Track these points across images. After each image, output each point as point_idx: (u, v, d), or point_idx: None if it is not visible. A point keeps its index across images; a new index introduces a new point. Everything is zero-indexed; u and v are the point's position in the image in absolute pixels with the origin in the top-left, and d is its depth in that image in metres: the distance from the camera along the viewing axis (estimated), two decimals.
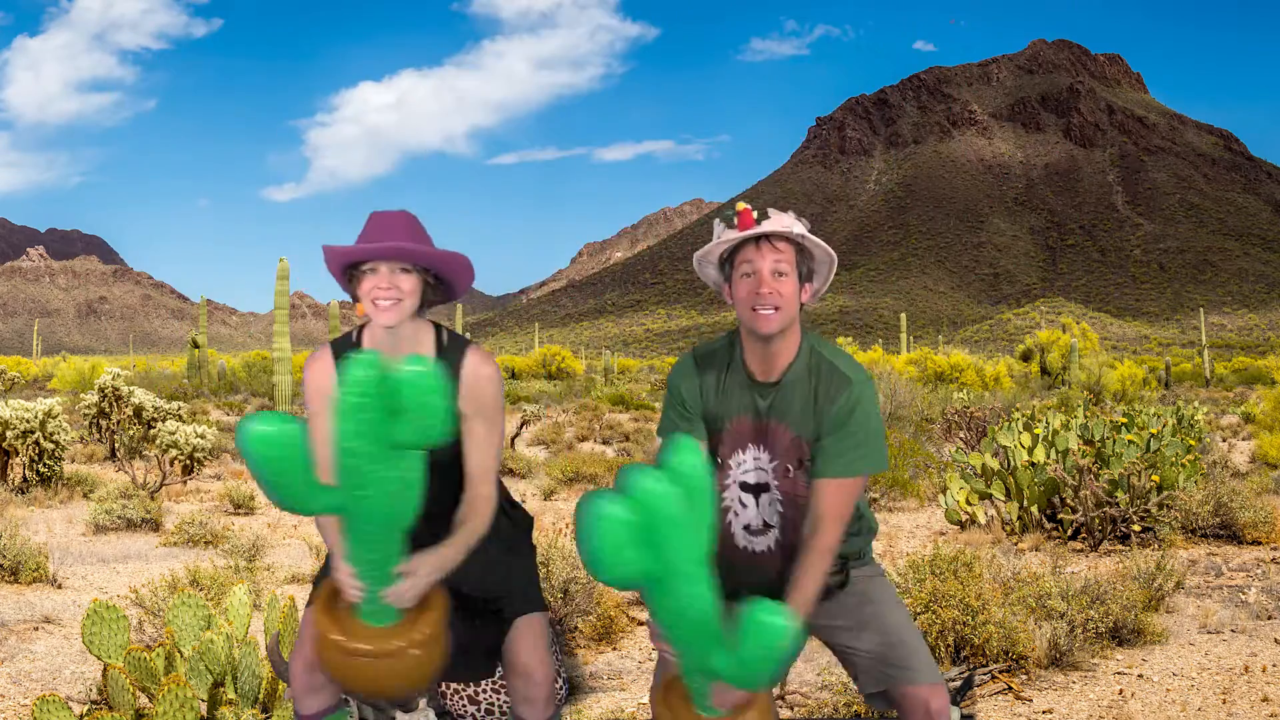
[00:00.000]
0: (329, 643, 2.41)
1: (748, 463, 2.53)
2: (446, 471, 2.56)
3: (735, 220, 2.47)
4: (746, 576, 2.51)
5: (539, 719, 2.68)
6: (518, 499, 8.88)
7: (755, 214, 2.45)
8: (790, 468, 2.49)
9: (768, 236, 2.44)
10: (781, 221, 2.44)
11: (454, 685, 3.89)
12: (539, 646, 2.66)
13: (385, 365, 2.18)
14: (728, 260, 2.50)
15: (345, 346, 2.61)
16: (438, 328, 2.63)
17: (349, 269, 2.52)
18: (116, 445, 12.72)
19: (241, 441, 2.18)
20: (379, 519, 2.28)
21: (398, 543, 2.33)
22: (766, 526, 2.54)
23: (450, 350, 2.59)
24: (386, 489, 2.24)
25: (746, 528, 2.54)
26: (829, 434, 2.44)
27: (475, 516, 2.54)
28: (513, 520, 2.79)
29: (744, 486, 2.53)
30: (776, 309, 2.42)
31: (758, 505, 2.53)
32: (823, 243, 2.47)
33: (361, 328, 2.63)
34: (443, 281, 2.57)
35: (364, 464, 2.21)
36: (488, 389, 2.56)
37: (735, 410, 2.52)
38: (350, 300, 2.57)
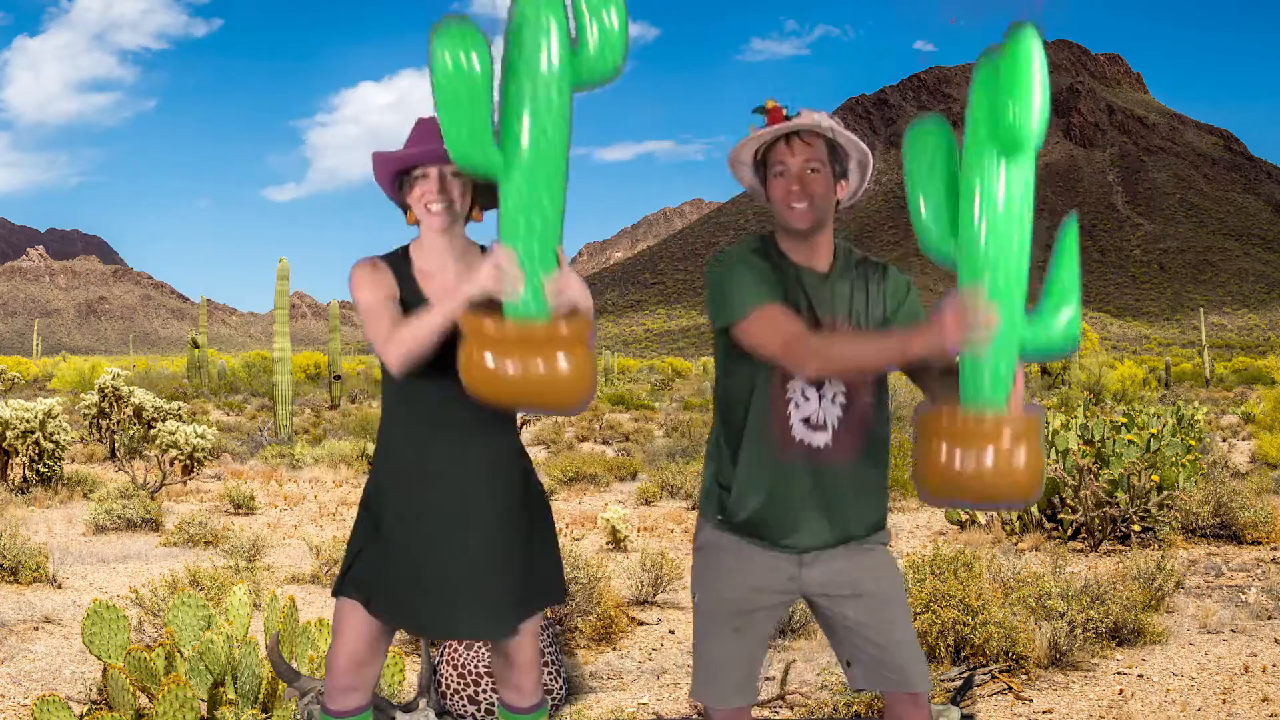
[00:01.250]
0: (486, 339, 2.17)
1: None
2: None
3: (766, 118, 2.43)
4: (798, 481, 2.45)
5: (525, 705, 2.67)
6: None
7: (785, 110, 2.42)
8: None
9: (798, 133, 2.40)
10: (811, 118, 2.41)
11: (454, 685, 3.89)
12: (528, 633, 2.64)
13: None
14: (761, 161, 2.47)
15: (395, 261, 2.54)
16: (482, 248, 2.59)
17: (399, 176, 2.50)
18: (116, 445, 12.72)
19: (443, 41, 2.08)
20: (552, 174, 2.14)
21: (561, 213, 2.19)
22: (825, 421, 2.47)
23: None
24: (561, 131, 2.12)
25: (806, 420, 2.46)
26: (899, 309, 2.53)
27: None
28: (537, 488, 2.69)
29: (806, 379, 2.46)
30: (810, 202, 2.40)
31: (819, 400, 2.46)
32: (855, 138, 2.43)
33: (407, 246, 2.58)
34: (491, 185, 2.48)
35: (555, 96, 2.08)
36: None
37: (793, 300, 2.46)
38: (401, 208, 2.53)
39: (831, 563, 2.51)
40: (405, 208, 2.53)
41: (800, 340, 2.31)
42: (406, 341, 2.34)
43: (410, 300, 2.47)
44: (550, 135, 2.12)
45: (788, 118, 2.41)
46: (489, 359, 2.17)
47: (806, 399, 2.47)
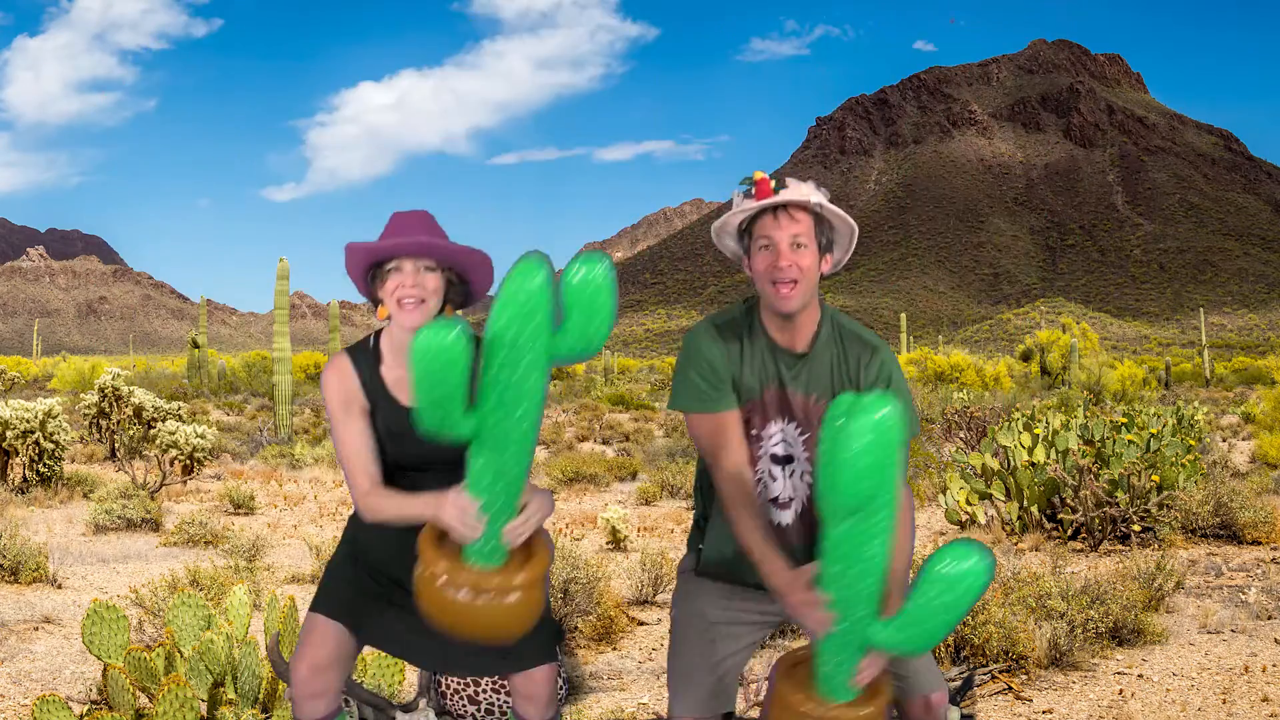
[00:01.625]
0: (431, 578, 2.32)
1: (776, 435, 2.47)
2: (455, 476, 2.49)
3: (753, 190, 2.41)
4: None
5: (541, 718, 2.67)
6: None
7: (773, 183, 2.40)
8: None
9: (785, 206, 2.39)
10: (799, 191, 2.39)
11: (454, 685, 3.89)
12: (548, 692, 2.66)
13: (550, 272, 2.15)
14: (746, 231, 2.44)
15: (363, 353, 2.54)
16: None
17: (371, 268, 2.47)
18: (116, 445, 12.72)
19: (427, 344, 2.16)
20: (521, 442, 2.23)
21: (527, 471, 2.29)
22: (790, 499, 2.49)
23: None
24: (534, 406, 2.20)
25: (774, 500, 2.49)
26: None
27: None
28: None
29: (774, 459, 2.48)
30: (795, 282, 2.37)
31: (786, 478, 2.48)
32: (842, 212, 2.42)
33: (379, 333, 2.57)
34: (464, 282, 2.53)
35: (523, 375, 2.17)
36: None
37: (763, 380, 2.46)
38: (371, 303, 2.51)
39: None
40: (377, 301, 2.49)
41: (728, 479, 2.40)
42: (381, 510, 2.45)
43: (380, 406, 2.48)
44: (519, 417, 2.22)
45: (775, 190, 2.39)
46: (442, 589, 2.32)
47: (774, 479, 2.50)
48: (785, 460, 2.48)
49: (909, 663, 2.49)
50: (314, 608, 2.61)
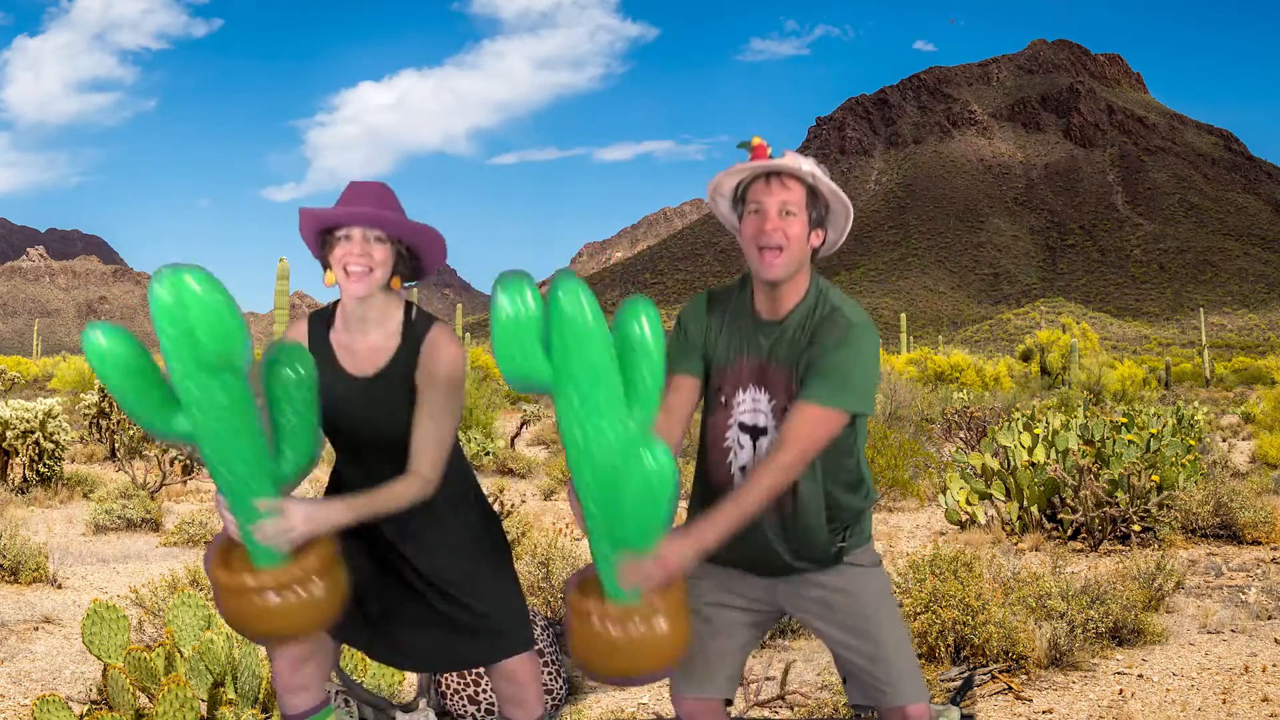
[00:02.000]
0: (216, 581, 2.40)
1: (746, 403, 2.47)
2: (401, 456, 2.52)
3: (749, 154, 2.41)
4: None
5: (529, 718, 2.67)
6: (517, 499, 8.85)
7: (769, 150, 2.40)
8: (786, 407, 2.43)
9: (778, 173, 2.38)
10: (794, 160, 2.39)
11: (454, 685, 3.89)
12: (531, 682, 2.65)
13: (180, 284, 2.16)
14: (741, 198, 2.45)
15: (320, 318, 2.60)
16: (408, 305, 2.58)
17: (323, 234, 2.49)
18: (116, 445, 12.71)
19: (86, 356, 2.19)
20: (219, 446, 2.26)
21: (251, 475, 2.30)
22: None
23: (417, 325, 2.55)
24: (214, 413, 2.22)
25: (743, 469, 2.48)
26: (816, 361, 2.37)
27: (397, 486, 2.47)
28: (484, 519, 2.73)
29: (742, 427, 2.48)
30: (779, 249, 2.36)
31: (754, 448, 2.47)
32: (837, 189, 2.40)
33: (335, 304, 2.60)
34: (415, 257, 2.55)
35: (188, 384, 2.20)
36: (442, 364, 2.50)
37: (739, 349, 2.47)
38: (322, 266, 2.53)
39: (799, 587, 2.54)
40: (327, 266, 2.52)
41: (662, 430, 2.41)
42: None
43: (324, 370, 2.48)
44: (209, 415, 2.24)
45: (772, 157, 2.39)
46: (226, 596, 2.41)
47: (742, 447, 2.49)
48: (756, 431, 2.47)
49: (889, 671, 2.48)
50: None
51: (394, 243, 2.47)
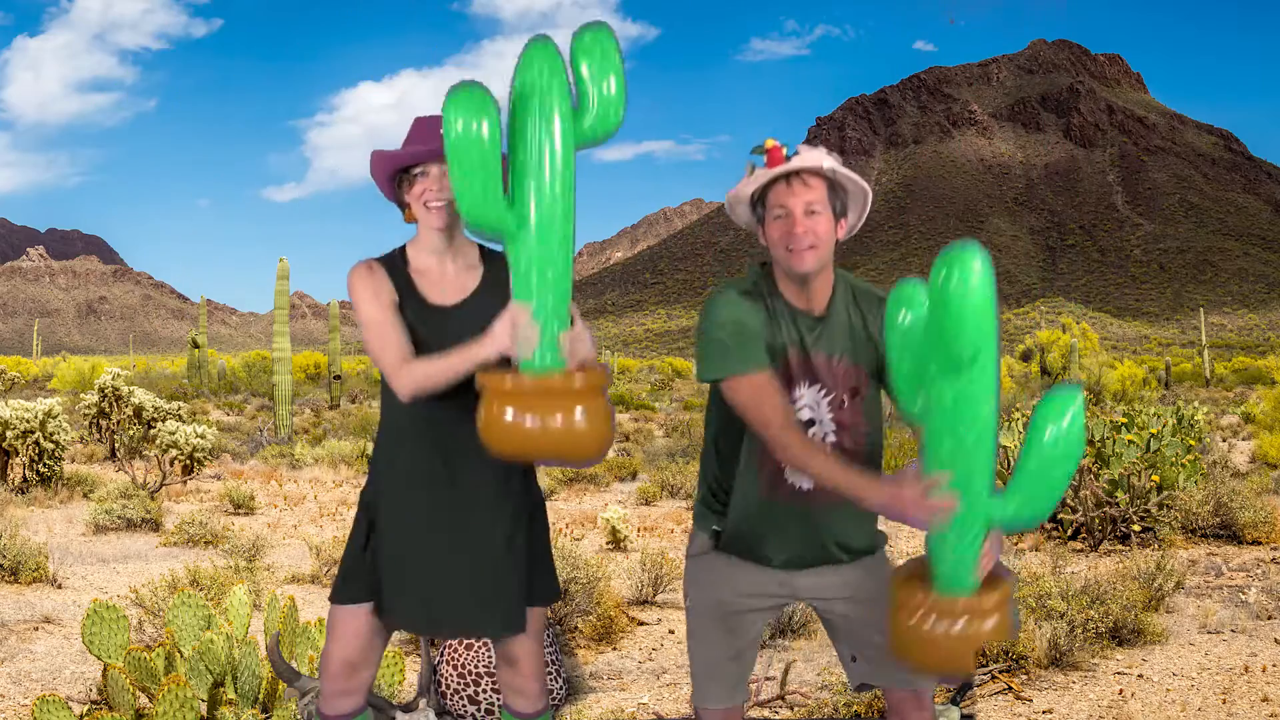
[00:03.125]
0: (504, 395, 2.22)
1: (801, 399, 2.45)
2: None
3: (765, 159, 2.40)
4: (785, 517, 2.46)
5: (530, 710, 2.66)
6: None
7: (785, 150, 2.38)
8: (845, 399, 2.43)
9: (798, 173, 2.37)
10: (811, 157, 2.37)
11: (454, 685, 3.89)
12: (533, 637, 2.63)
13: (558, 54, 2.15)
14: (759, 201, 2.43)
15: (392, 261, 2.57)
16: (481, 246, 2.60)
17: (397, 173, 2.52)
18: (116, 445, 12.72)
19: (445, 115, 2.14)
20: (563, 226, 2.21)
21: (570, 271, 2.26)
22: None
23: (494, 255, 2.58)
24: (569, 180, 2.19)
25: None
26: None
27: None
28: (536, 492, 2.70)
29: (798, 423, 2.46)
30: (812, 247, 2.36)
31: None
32: (855, 175, 2.40)
33: (404, 246, 2.59)
34: None
35: (555, 160, 2.16)
36: None
37: (785, 343, 2.44)
38: (398, 207, 2.55)
39: (820, 576, 2.53)
40: (404, 206, 2.53)
41: (783, 431, 2.32)
42: (419, 379, 2.38)
43: (410, 303, 2.48)
44: (558, 197, 2.19)
45: (788, 158, 2.37)
46: (509, 414, 2.22)
47: None
48: (807, 424, 2.45)
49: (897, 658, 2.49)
50: (334, 599, 2.57)
51: None
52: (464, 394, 2.37)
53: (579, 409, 2.22)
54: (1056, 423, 2.13)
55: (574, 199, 2.23)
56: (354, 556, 2.56)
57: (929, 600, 2.21)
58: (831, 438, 2.45)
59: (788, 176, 2.38)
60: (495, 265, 2.55)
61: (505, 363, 2.30)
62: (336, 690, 2.58)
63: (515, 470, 2.56)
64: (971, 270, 2.03)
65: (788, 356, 2.43)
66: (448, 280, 2.53)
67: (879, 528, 2.62)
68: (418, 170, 2.48)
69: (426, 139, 2.45)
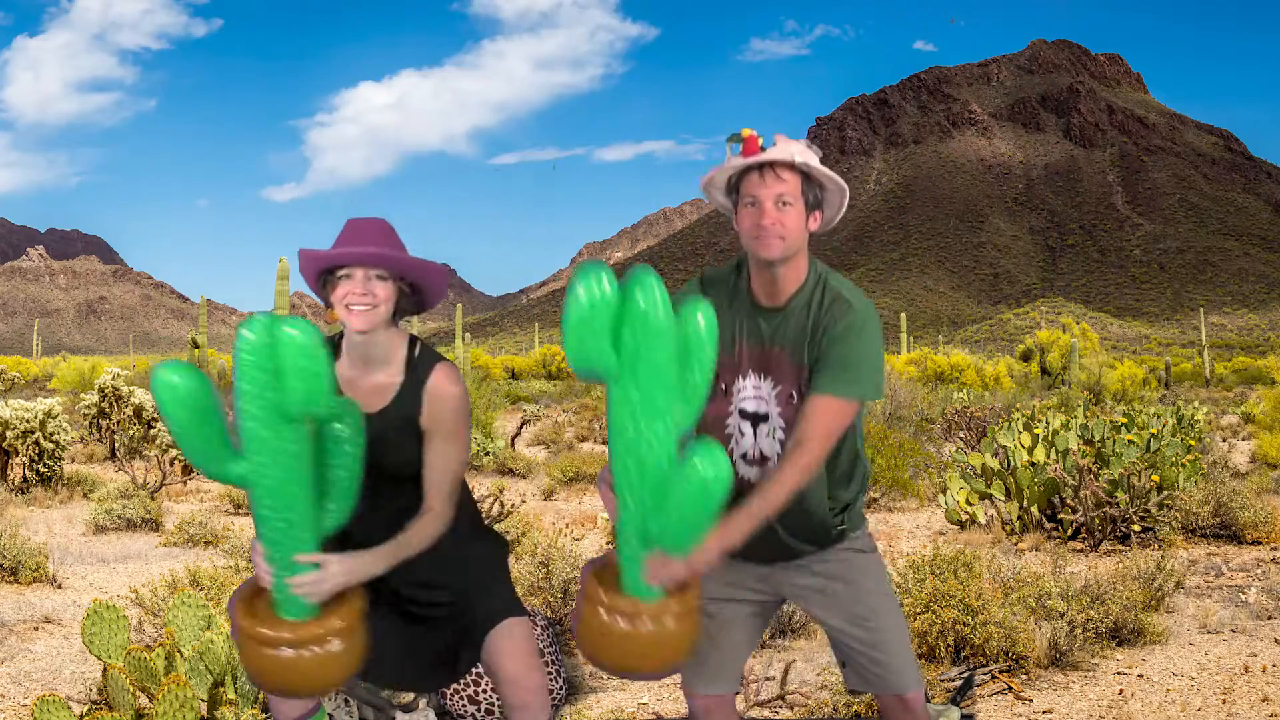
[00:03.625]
0: (239, 627, 2.38)
1: (747, 390, 2.48)
2: (408, 488, 2.56)
3: (740, 147, 2.41)
4: (734, 502, 2.47)
5: None
6: (517, 499, 8.86)
7: (760, 141, 2.40)
8: (793, 394, 2.44)
9: (771, 165, 2.38)
10: (786, 150, 2.38)
11: (454, 685, 3.89)
12: (524, 653, 2.62)
13: (275, 327, 2.18)
14: (735, 187, 2.45)
15: (328, 346, 2.60)
16: (412, 340, 2.62)
17: (323, 274, 2.52)
18: (116, 445, 12.71)
19: (153, 390, 2.19)
20: (277, 494, 2.26)
21: (301, 525, 2.31)
22: (763, 457, 2.48)
23: (420, 364, 2.59)
24: (281, 460, 2.23)
25: (744, 456, 2.49)
26: (828, 352, 2.38)
27: (417, 526, 2.51)
28: (477, 535, 2.76)
29: (743, 414, 2.49)
30: (780, 238, 2.37)
31: (755, 435, 2.48)
32: (830, 172, 2.41)
33: (340, 335, 2.63)
34: (417, 291, 2.58)
35: (259, 428, 2.20)
36: (448, 406, 2.55)
37: (739, 335, 2.47)
38: (324, 305, 2.57)
39: (797, 574, 2.54)
40: (329, 305, 2.55)
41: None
42: None
43: None
44: (266, 460, 2.24)
45: (763, 148, 2.39)
46: (249, 645, 2.38)
47: (743, 434, 2.50)
48: (757, 418, 2.47)
49: (888, 659, 2.49)
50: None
51: (396, 279, 2.51)
52: (390, 486, 2.54)
53: (332, 643, 2.36)
54: (707, 475, 2.20)
55: (296, 470, 2.26)
56: None
57: (609, 598, 2.32)
58: (780, 434, 2.46)
59: (760, 167, 2.39)
60: (414, 377, 2.56)
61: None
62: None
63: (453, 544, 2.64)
64: (637, 290, 2.16)
65: (737, 347, 2.45)
66: (364, 389, 2.56)
67: (860, 517, 2.60)
68: (343, 272, 2.48)
69: (354, 241, 2.47)
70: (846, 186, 2.45)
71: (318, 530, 2.35)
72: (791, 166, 2.39)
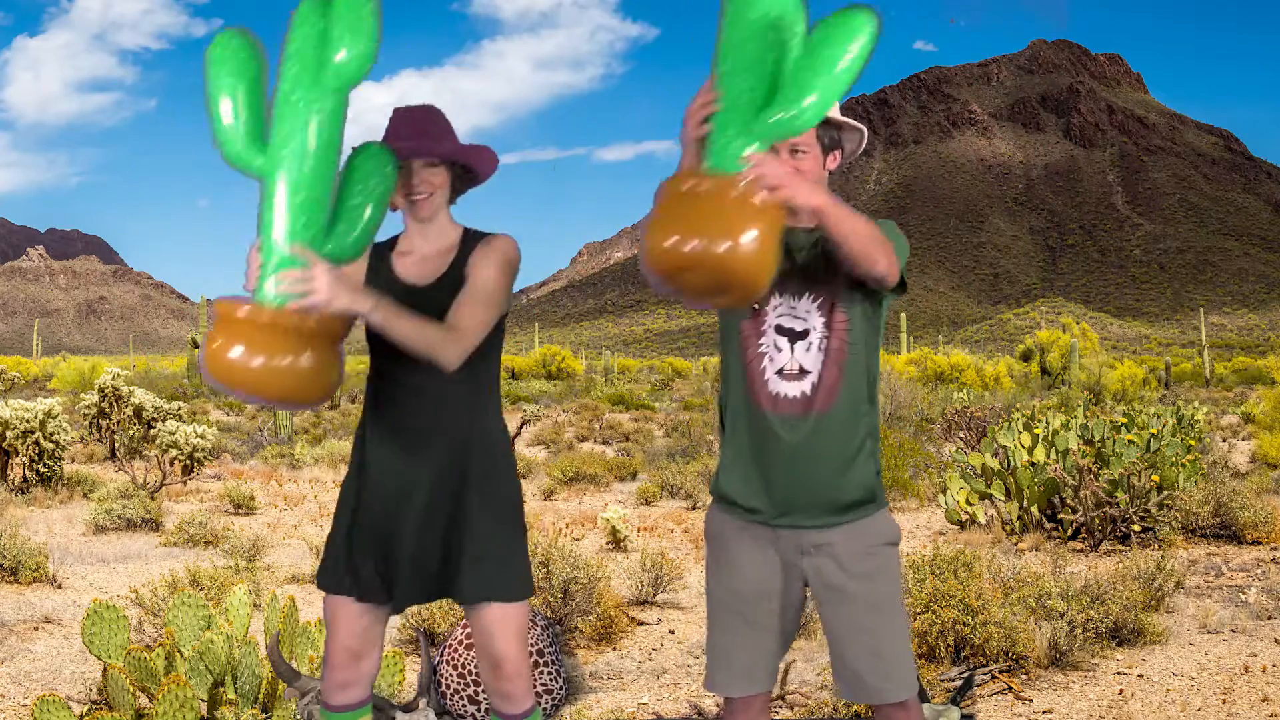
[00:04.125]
0: (215, 311, 2.28)
1: (783, 307, 2.47)
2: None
3: None
4: (770, 434, 2.44)
5: (515, 711, 2.66)
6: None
7: None
8: (834, 302, 2.45)
9: None
10: None
11: (454, 685, 3.89)
12: (512, 637, 2.60)
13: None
14: None
15: (382, 246, 2.69)
16: (466, 229, 2.70)
17: None
18: (116, 445, 12.72)
19: (209, 49, 2.25)
20: (292, 174, 2.27)
21: (303, 216, 2.29)
22: (803, 372, 2.45)
23: (477, 235, 2.67)
24: (304, 135, 2.26)
25: (780, 371, 2.46)
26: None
27: (431, 324, 2.45)
28: (510, 465, 2.71)
29: (779, 330, 2.47)
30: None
31: (792, 350, 2.46)
32: (844, 117, 2.42)
33: (399, 235, 2.71)
34: (469, 170, 2.68)
35: (298, 94, 2.23)
36: (497, 246, 2.60)
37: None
38: None
39: (825, 560, 2.49)
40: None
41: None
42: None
43: (379, 285, 2.59)
44: (295, 142, 2.27)
45: None
46: (219, 343, 2.24)
47: (779, 350, 2.47)
48: (794, 334, 2.46)
49: (888, 668, 2.46)
50: (318, 583, 2.66)
51: (448, 164, 2.61)
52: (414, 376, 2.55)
53: (294, 347, 2.24)
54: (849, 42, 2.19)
55: (323, 146, 2.29)
56: (330, 541, 2.66)
57: (702, 173, 2.17)
58: (825, 344, 2.45)
59: None
60: (469, 245, 2.64)
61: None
62: (340, 681, 2.63)
63: (466, 458, 2.61)
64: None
65: (791, 259, 2.45)
66: (425, 258, 2.65)
67: (872, 485, 2.54)
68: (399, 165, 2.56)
69: (404, 135, 2.56)
70: (864, 127, 2.48)
71: (316, 240, 2.32)
72: None
